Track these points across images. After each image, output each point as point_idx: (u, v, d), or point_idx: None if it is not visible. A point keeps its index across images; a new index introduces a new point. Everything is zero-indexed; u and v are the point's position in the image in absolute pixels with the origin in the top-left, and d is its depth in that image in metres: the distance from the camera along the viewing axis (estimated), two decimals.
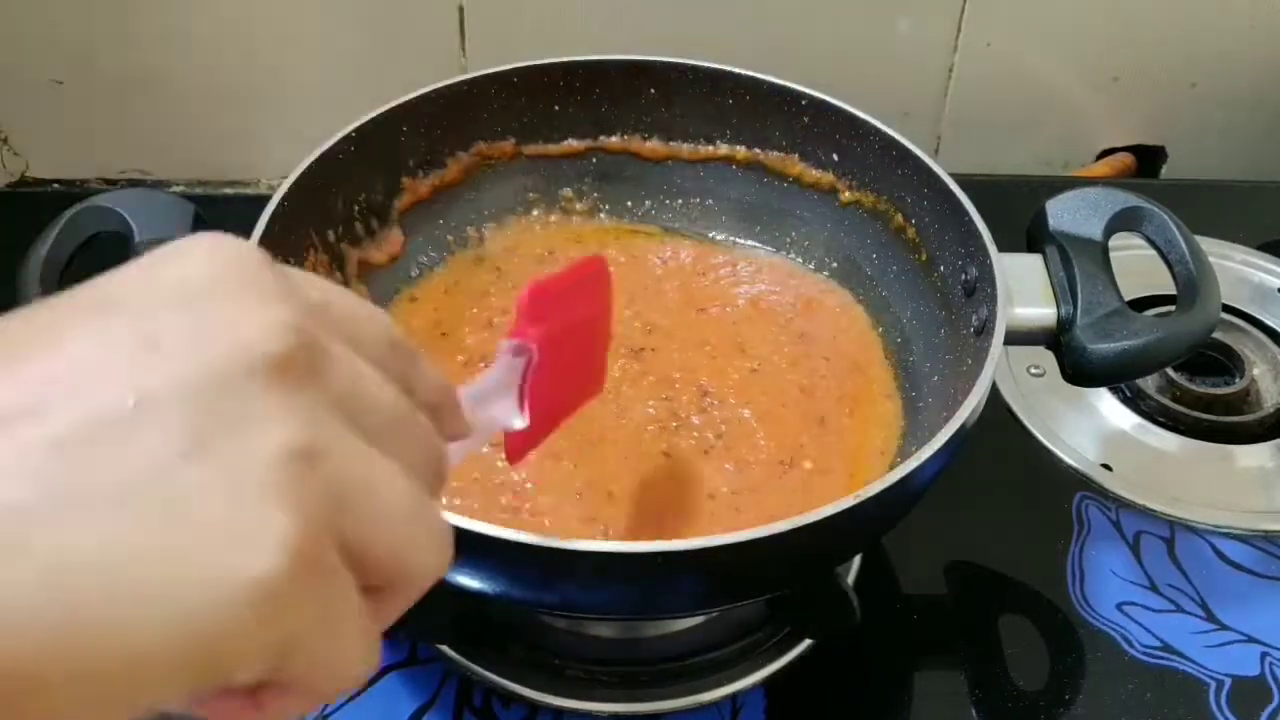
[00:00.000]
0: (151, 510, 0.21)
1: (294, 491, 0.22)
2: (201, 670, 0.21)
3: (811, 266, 0.67)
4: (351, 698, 0.54)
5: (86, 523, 0.20)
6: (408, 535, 0.27)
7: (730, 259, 0.67)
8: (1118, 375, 0.54)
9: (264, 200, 0.53)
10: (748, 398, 0.59)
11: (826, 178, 0.65)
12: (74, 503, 0.21)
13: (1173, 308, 0.55)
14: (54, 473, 0.21)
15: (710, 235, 0.69)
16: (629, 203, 0.69)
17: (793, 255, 0.67)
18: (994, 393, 0.57)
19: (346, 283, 0.61)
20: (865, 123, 0.62)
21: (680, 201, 0.69)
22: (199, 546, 0.21)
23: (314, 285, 0.27)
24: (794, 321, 0.64)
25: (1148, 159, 0.94)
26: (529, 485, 0.54)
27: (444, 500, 0.54)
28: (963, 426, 0.46)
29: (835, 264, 0.66)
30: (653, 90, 0.66)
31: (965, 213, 0.56)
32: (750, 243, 0.68)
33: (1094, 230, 0.55)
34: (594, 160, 0.68)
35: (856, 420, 0.59)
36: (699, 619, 0.57)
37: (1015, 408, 0.69)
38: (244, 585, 0.21)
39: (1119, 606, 0.60)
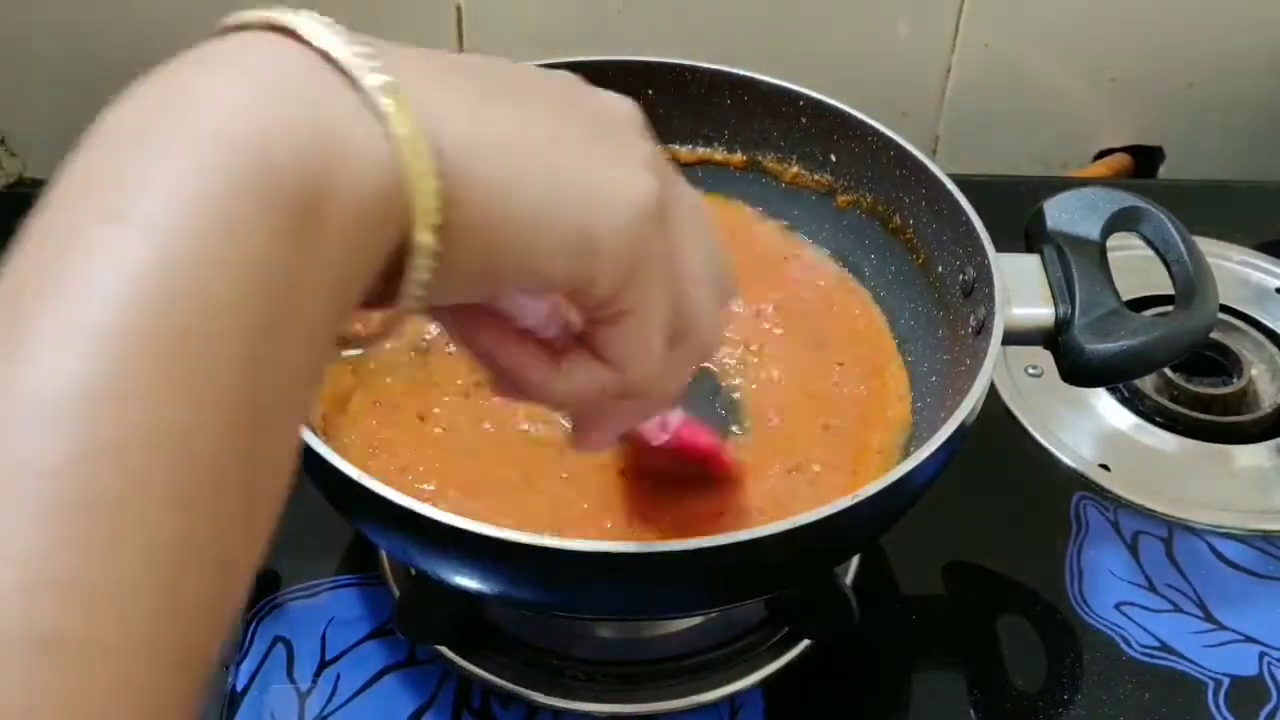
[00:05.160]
0: (588, 153, 0.30)
1: (653, 154, 0.32)
2: (578, 257, 0.29)
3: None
4: (350, 698, 0.54)
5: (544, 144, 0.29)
6: (705, 293, 0.34)
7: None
8: (1116, 375, 0.54)
9: None
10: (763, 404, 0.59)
11: (824, 178, 0.65)
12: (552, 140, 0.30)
13: (1170, 308, 0.55)
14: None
15: None
16: None
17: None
18: (992, 393, 0.57)
19: None
20: (863, 123, 0.62)
21: None
22: (602, 170, 0.30)
23: None
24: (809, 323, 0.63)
25: (1145, 159, 0.94)
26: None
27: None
28: (961, 426, 0.47)
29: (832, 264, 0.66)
30: (650, 91, 0.66)
31: (963, 213, 0.56)
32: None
33: (1092, 230, 0.55)
34: None
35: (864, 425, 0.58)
36: (698, 619, 0.57)
37: (1013, 408, 0.70)
38: (624, 201, 0.30)
39: (1117, 606, 0.60)
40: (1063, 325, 0.53)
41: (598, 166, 0.30)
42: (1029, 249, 0.56)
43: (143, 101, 0.24)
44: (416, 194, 0.26)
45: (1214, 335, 0.70)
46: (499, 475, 0.54)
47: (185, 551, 0.22)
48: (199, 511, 0.22)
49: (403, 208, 0.26)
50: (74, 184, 0.23)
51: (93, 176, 0.23)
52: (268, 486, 0.24)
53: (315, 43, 0.25)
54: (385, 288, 0.27)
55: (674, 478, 0.53)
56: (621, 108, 0.33)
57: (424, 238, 0.26)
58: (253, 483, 0.23)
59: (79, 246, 0.22)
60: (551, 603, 0.50)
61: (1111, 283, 0.54)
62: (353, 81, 0.25)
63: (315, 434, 0.45)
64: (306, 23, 0.25)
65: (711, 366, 0.60)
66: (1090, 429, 0.69)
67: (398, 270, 0.27)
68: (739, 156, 0.67)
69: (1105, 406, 0.70)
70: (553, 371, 0.33)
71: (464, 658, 0.55)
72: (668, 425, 0.49)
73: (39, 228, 0.23)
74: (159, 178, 0.23)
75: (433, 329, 0.60)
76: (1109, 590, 0.61)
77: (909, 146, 0.60)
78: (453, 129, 0.27)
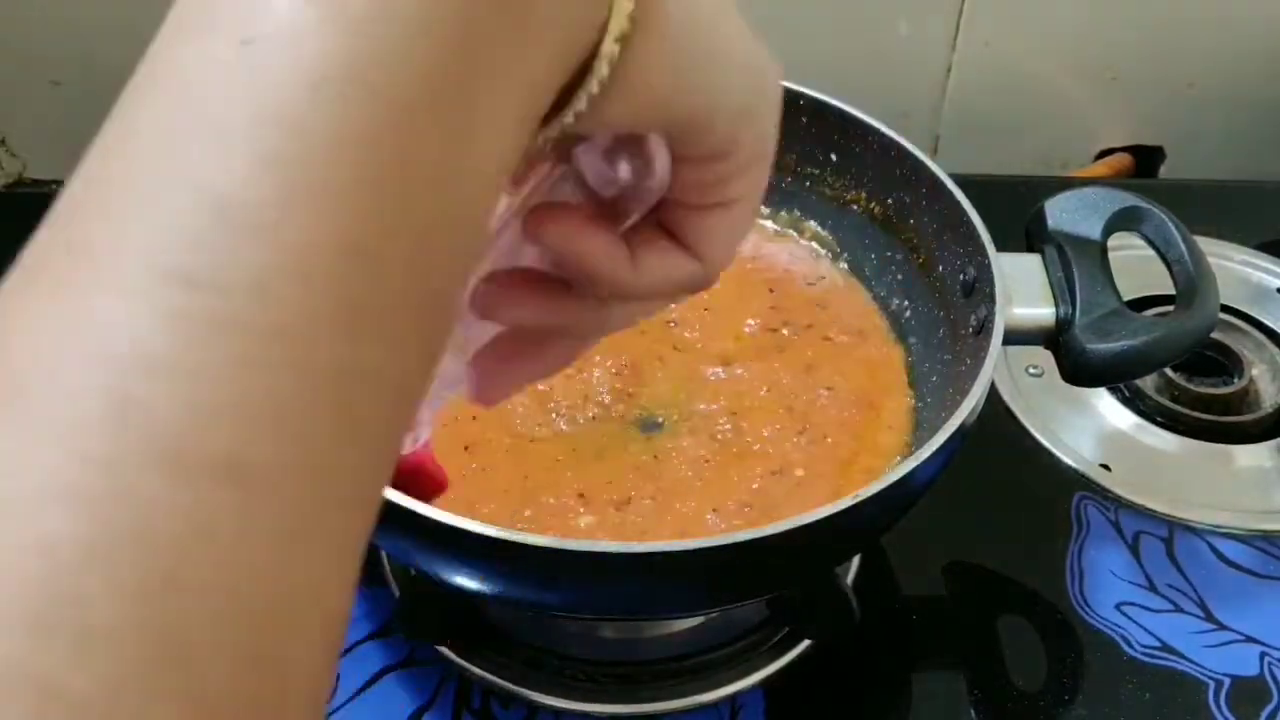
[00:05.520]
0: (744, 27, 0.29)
1: None
2: (740, 115, 0.28)
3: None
4: (350, 699, 0.54)
5: None
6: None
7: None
8: (1116, 375, 0.54)
9: None
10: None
11: (824, 178, 0.65)
12: None
13: (1171, 308, 0.55)
14: None
15: None
16: None
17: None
18: (993, 393, 0.57)
19: None
20: (864, 123, 0.62)
21: None
22: (761, 50, 0.29)
23: None
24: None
25: (1146, 159, 0.94)
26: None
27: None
28: (961, 426, 0.47)
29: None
30: None
31: (964, 213, 0.56)
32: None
33: (1093, 230, 0.55)
34: None
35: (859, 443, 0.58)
36: (698, 619, 0.57)
37: (1014, 408, 0.69)
38: (777, 76, 0.30)
39: (1118, 606, 0.60)
40: (1063, 325, 0.53)
41: (757, 42, 0.30)
42: (1029, 249, 0.56)
43: None
44: (616, 4, 0.24)
45: (1214, 335, 0.70)
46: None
47: (362, 377, 0.20)
48: (374, 331, 0.20)
49: (604, 6, 0.24)
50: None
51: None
52: (441, 298, 0.22)
53: None
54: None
55: None
56: None
57: (609, 46, 0.24)
58: (430, 292, 0.22)
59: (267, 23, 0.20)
60: (551, 603, 0.50)
61: (1112, 283, 0.53)
62: None
63: None
64: None
65: (707, 367, 0.60)
66: (1091, 429, 0.69)
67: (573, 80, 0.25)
68: None
69: (1106, 406, 0.70)
70: (628, 260, 0.30)
71: (464, 658, 0.55)
72: (415, 439, 0.43)
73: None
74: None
75: None
76: (1109, 590, 0.61)
77: (909, 146, 0.60)
78: None
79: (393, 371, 0.21)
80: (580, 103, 0.25)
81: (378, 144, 0.20)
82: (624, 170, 0.30)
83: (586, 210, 0.31)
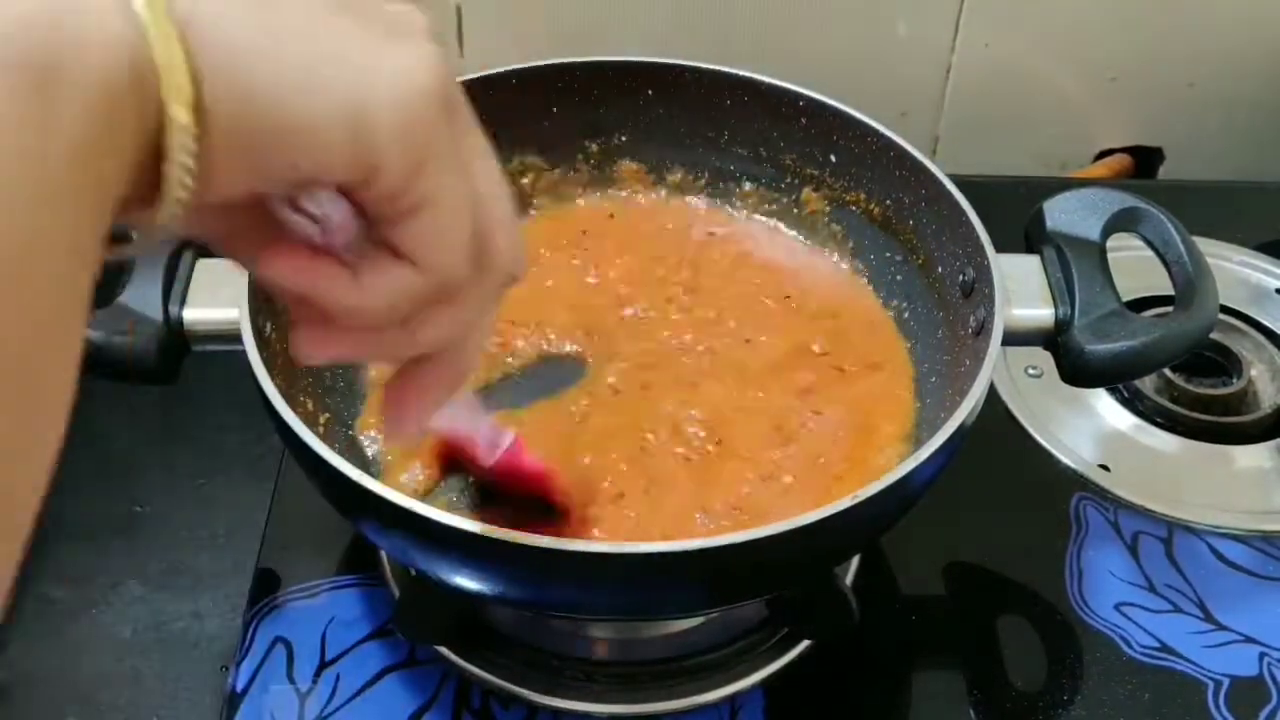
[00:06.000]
0: (360, 34, 0.28)
1: (438, 50, 0.30)
2: (355, 137, 0.27)
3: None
4: (350, 699, 0.55)
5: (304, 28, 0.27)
6: (503, 203, 0.33)
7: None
8: (1116, 376, 0.54)
9: None
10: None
11: (824, 178, 0.65)
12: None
13: (1170, 308, 0.55)
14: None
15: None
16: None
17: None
18: (992, 393, 0.57)
19: None
20: (863, 124, 0.62)
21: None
22: (376, 44, 0.28)
23: None
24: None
25: (1145, 160, 0.94)
26: None
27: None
28: (961, 427, 0.47)
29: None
30: (650, 91, 0.66)
31: (963, 213, 0.56)
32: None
33: (1092, 231, 0.55)
34: (589, 161, 0.68)
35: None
36: (698, 619, 0.57)
37: (1013, 408, 0.70)
38: (402, 77, 0.28)
39: (1117, 607, 0.60)
40: (1063, 326, 0.53)
41: (371, 40, 0.28)
42: (1029, 249, 0.56)
43: None
44: (162, 64, 0.25)
45: (1214, 336, 0.70)
46: None
47: None
48: None
49: (154, 81, 0.25)
50: None
51: None
52: (33, 376, 0.23)
53: None
54: (153, 185, 0.26)
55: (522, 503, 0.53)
56: (399, 5, 0.31)
57: (178, 113, 0.25)
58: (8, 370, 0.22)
59: None
60: (551, 603, 0.50)
61: (1111, 283, 0.54)
62: None
63: (317, 435, 0.45)
64: None
65: (705, 369, 0.60)
66: (1090, 429, 0.69)
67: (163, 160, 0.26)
68: (739, 157, 0.67)
69: (1105, 407, 0.70)
70: (352, 283, 0.31)
71: (464, 658, 0.55)
72: (497, 445, 0.48)
73: None
74: None
75: None
76: (1109, 590, 0.61)
77: (909, 146, 0.60)
78: (199, 3, 0.26)
79: None
80: (174, 178, 0.26)
81: None
82: (303, 217, 0.31)
83: (304, 248, 0.31)
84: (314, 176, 0.29)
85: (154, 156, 0.26)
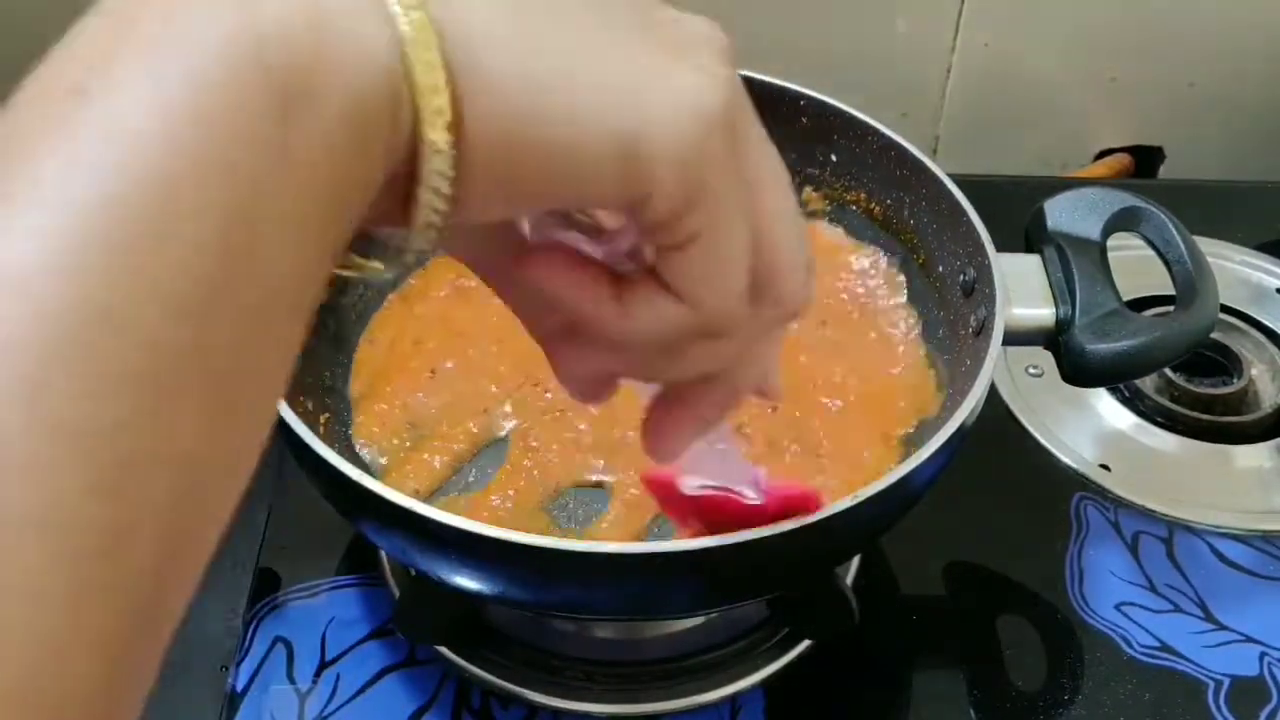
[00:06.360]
0: (632, 52, 0.26)
1: (728, 73, 0.27)
2: (627, 166, 0.25)
3: None
4: (350, 699, 0.54)
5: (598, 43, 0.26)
6: (790, 232, 0.30)
7: None
8: (1116, 376, 0.54)
9: None
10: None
11: (824, 178, 0.65)
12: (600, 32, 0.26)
13: (1171, 308, 0.55)
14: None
15: None
16: None
17: None
18: (992, 393, 0.57)
19: (344, 282, 0.61)
20: (863, 123, 0.62)
21: None
22: (658, 65, 0.26)
23: None
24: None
25: (1146, 159, 0.94)
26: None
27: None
28: (961, 427, 0.47)
29: None
30: None
31: (963, 213, 0.56)
32: None
33: (1092, 230, 0.55)
34: None
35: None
36: (698, 619, 0.57)
37: (1014, 408, 0.69)
38: (684, 102, 0.26)
39: (1118, 607, 0.60)
40: (1063, 325, 0.53)
41: (652, 61, 0.26)
42: (1029, 249, 0.56)
43: None
44: (423, 84, 0.23)
45: (1214, 335, 0.70)
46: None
47: (131, 438, 0.21)
48: (153, 400, 0.21)
49: (411, 100, 0.24)
50: (43, 69, 0.22)
51: (61, 58, 0.22)
52: (247, 385, 0.23)
53: None
54: (403, 203, 0.25)
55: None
56: (697, 22, 0.29)
57: (435, 135, 0.24)
58: (224, 375, 0.22)
59: (41, 123, 0.21)
60: (551, 603, 0.50)
61: (1112, 283, 0.53)
62: None
63: (317, 435, 0.45)
64: None
65: None
66: (1090, 429, 0.69)
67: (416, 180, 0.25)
68: None
69: (1105, 406, 0.70)
70: (618, 308, 0.29)
71: (464, 658, 0.55)
72: (759, 482, 0.43)
73: (9, 104, 0.22)
74: (129, 52, 0.21)
75: None
76: (1109, 590, 0.61)
77: (909, 146, 0.60)
78: (462, 14, 0.24)
79: (166, 446, 0.21)
80: (427, 202, 0.25)
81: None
82: (577, 232, 0.30)
83: (572, 254, 0.30)
84: (577, 204, 0.28)
85: (406, 176, 0.25)
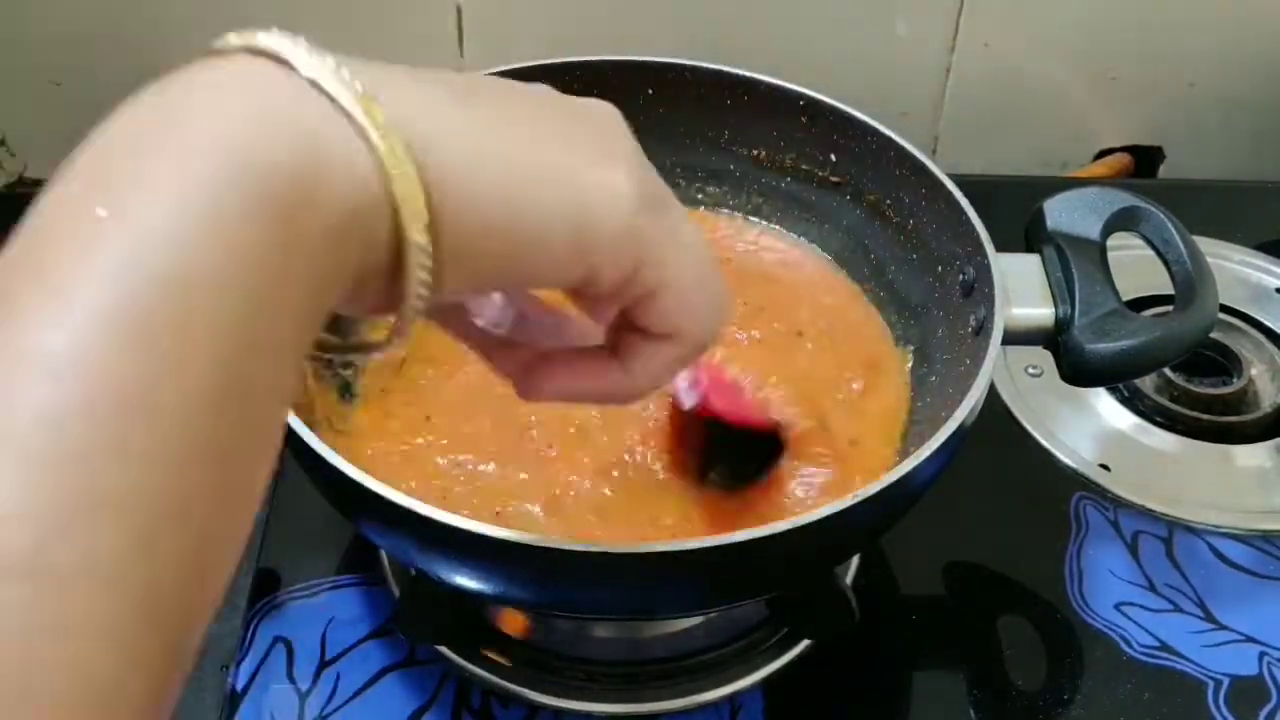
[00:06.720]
0: (568, 139, 0.31)
1: (636, 148, 0.33)
2: (578, 253, 0.30)
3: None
4: (350, 699, 0.55)
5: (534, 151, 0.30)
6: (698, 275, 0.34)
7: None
8: (1116, 375, 0.54)
9: None
10: None
11: (824, 178, 0.65)
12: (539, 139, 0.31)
13: (1170, 308, 0.55)
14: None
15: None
16: None
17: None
18: (992, 393, 0.57)
19: None
20: (863, 123, 0.62)
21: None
22: (591, 162, 0.31)
23: None
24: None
25: (1145, 159, 0.94)
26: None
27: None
28: (960, 427, 0.47)
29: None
30: (650, 91, 0.66)
31: (963, 213, 0.56)
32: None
33: (1092, 230, 0.55)
34: None
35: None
36: (698, 619, 0.57)
37: (1013, 408, 0.70)
38: (618, 194, 0.31)
39: (1117, 606, 0.60)
40: (1063, 325, 0.53)
41: (586, 160, 0.31)
42: (1029, 249, 0.56)
43: (135, 115, 0.26)
44: (400, 192, 0.27)
45: (1214, 335, 0.70)
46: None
47: (158, 512, 0.23)
48: (176, 477, 0.23)
49: (392, 207, 0.27)
50: (68, 186, 0.24)
51: (86, 178, 0.25)
52: (249, 467, 0.25)
53: (293, 61, 0.27)
54: (392, 291, 0.29)
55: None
56: (603, 107, 0.34)
57: (415, 235, 0.27)
58: (233, 459, 0.25)
59: (68, 239, 0.23)
60: (551, 603, 0.50)
61: (1111, 283, 0.53)
62: (330, 95, 0.27)
63: (317, 434, 0.45)
64: (281, 42, 0.27)
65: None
66: (1090, 429, 0.69)
67: (402, 272, 0.28)
68: (739, 157, 0.67)
69: (1105, 406, 0.70)
70: (622, 373, 0.35)
71: (464, 658, 0.55)
72: (695, 385, 0.48)
73: (30, 225, 0.24)
74: (149, 178, 0.24)
75: None
76: (1109, 590, 0.61)
77: (909, 146, 0.60)
78: (425, 126, 0.28)
79: (181, 506, 0.23)
80: (412, 291, 0.28)
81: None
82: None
83: (569, 356, 0.35)
84: (535, 283, 0.32)
85: (378, 271, 0.28)
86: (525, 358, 0.36)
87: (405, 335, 0.30)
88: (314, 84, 0.27)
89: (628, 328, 0.34)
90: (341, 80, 0.27)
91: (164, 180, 0.24)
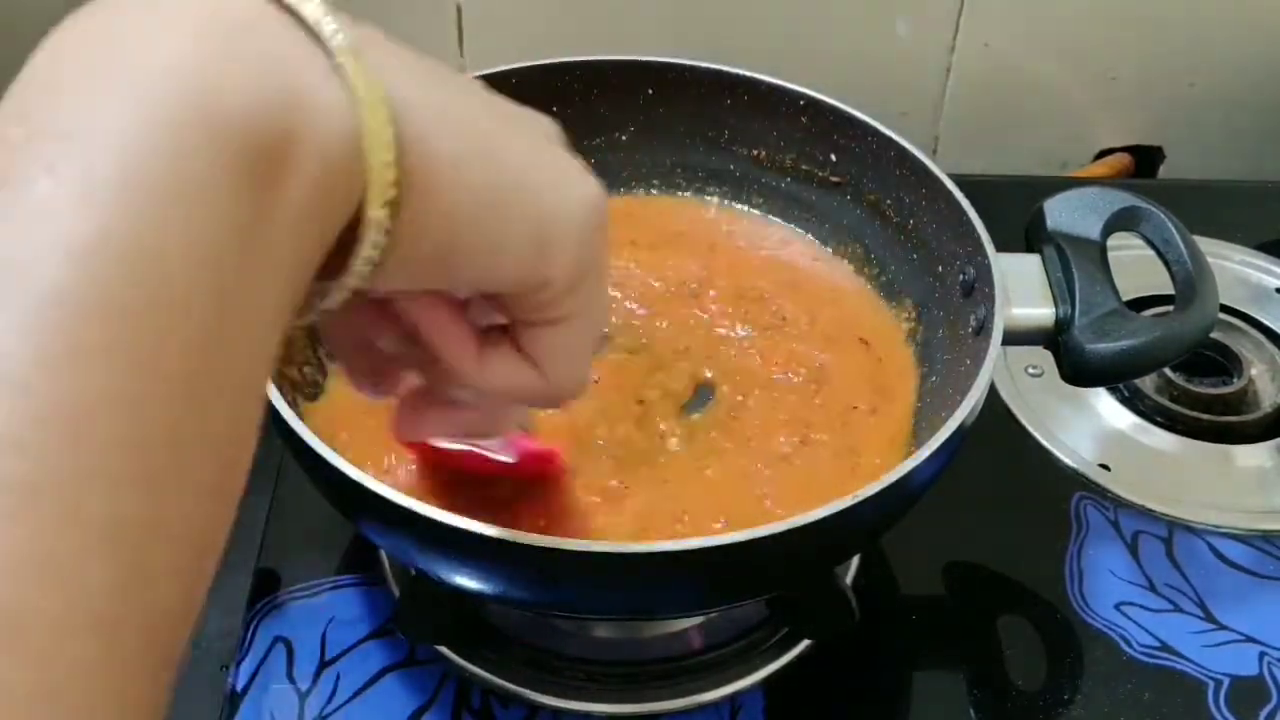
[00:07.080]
0: (537, 156, 0.31)
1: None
2: (534, 255, 0.29)
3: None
4: (350, 699, 0.55)
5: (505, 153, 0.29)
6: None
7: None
8: (1116, 375, 0.54)
9: None
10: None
11: (824, 178, 0.65)
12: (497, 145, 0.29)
13: (1171, 308, 0.55)
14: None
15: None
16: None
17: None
18: (992, 393, 0.57)
19: None
20: (863, 123, 0.62)
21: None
22: (556, 169, 0.31)
23: None
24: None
25: (1146, 159, 0.94)
26: None
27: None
28: (961, 427, 0.47)
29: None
30: (650, 91, 0.66)
31: (963, 213, 0.56)
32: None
33: (1092, 230, 0.55)
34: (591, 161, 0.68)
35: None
36: (698, 619, 0.57)
37: (1013, 408, 0.70)
38: (582, 202, 0.31)
39: (1117, 606, 0.60)
40: (1063, 325, 0.53)
41: (551, 166, 0.31)
42: (1029, 249, 0.56)
43: (86, 33, 0.23)
44: (373, 163, 0.25)
45: (1214, 335, 0.70)
46: None
47: (139, 525, 0.21)
48: (153, 483, 0.21)
49: (361, 177, 0.25)
50: (8, 127, 0.22)
51: (29, 117, 0.22)
52: (226, 454, 0.23)
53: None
54: (331, 263, 0.27)
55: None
56: (546, 119, 0.33)
57: (376, 212, 0.26)
58: (209, 446, 0.23)
59: (14, 204, 0.21)
60: (551, 603, 0.50)
61: (1112, 283, 0.53)
62: (319, 39, 0.24)
63: (317, 434, 0.45)
64: None
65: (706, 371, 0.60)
66: (1090, 429, 0.69)
67: (348, 246, 0.27)
68: (739, 157, 0.67)
69: (1105, 406, 0.70)
70: (475, 359, 0.33)
71: (464, 658, 0.55)
72: (509, 444, 0.49)
73: None
74: (101, 124, 0.21)
75: None
76: (1109, 590, 0.61)
77: (909, 146, 0.60)
78: (409, 100, 0.26)
79: (172, 516, 0.22)
80: (356, 270, 0.27)
81: (131, 312, 0.21)
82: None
83: (456, 305, 0.33)
84: (488, 286, 0.30)
85: (338, 247, 0.26)
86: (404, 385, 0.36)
87: (313, 312, 0.28)
88: (300, 23, 0.24)
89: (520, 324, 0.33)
90: (331, 27, 0.25)
91: (115, 129, 0.21)
